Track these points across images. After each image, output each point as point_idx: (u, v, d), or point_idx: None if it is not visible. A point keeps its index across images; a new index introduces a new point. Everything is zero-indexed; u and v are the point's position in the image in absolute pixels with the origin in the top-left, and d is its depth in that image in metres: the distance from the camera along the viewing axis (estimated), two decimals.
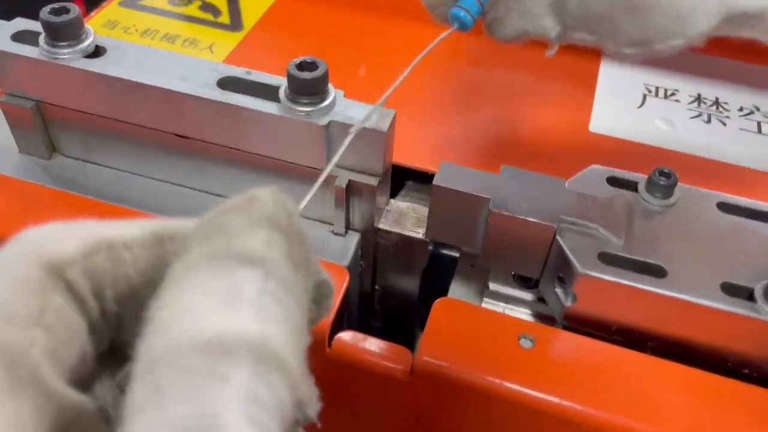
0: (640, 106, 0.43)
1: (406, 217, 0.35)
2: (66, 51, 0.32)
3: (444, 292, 0.35)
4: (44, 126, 0.35)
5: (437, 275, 0.38)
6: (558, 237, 0.30)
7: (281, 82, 0.31)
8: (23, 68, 0.33)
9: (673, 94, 0.44)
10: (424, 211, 0.36)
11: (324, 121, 0.30)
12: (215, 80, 0.32)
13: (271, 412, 0.13)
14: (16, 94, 0.34)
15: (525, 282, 0.34)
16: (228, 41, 0.46)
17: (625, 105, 0.43)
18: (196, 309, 0.14)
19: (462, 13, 0.28)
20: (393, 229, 0.35)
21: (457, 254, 0.37)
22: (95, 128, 0.35)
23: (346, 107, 0.31)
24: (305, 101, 0.30)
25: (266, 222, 0.16)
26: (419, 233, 0.35)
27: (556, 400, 0.28)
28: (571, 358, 0.29)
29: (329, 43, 0.47)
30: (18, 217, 0.33)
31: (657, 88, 0.44)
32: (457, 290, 0.36)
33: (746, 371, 0.30)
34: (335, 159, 0.23)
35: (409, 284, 0.37)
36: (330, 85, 0.31)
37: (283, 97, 0.30)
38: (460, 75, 0.45)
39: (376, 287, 0.38)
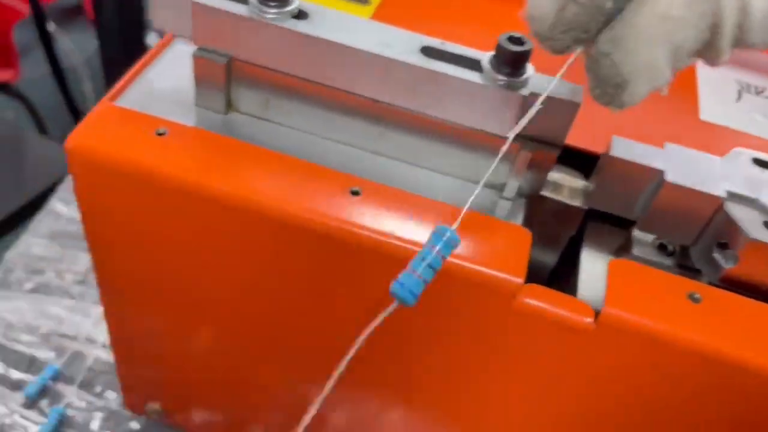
0: (738, 101, 0.48)
1: (562, 187, 0.38)
2: (274, 11, 0.34)
3: (571, 256, 0.39)
4: (228, 82, 0.37)
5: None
6: (726, 207, 0.34)
7: (475, 54, 0.34)
8: (228, 24, 0.34)
9: (762, 92, 0.49)
10: (574, 181, 0.39)
11: (525, 91, 0.33)
12: (417, 48, 0.34)
13: None
14: (208, 49, 0.36)
15: (663, 249, 0.38)
16: (360, 14, 0.48)
17: (724, 99, 0.47)
18: None
19: (402, 293, 0.27)
20: (554, 197, 0.38)
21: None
22: (280, 87, 0.37)
23: (541, 80, 0.34)
24: (508, 72, 0.33)
25: None
26: (575, 201, 0.38)
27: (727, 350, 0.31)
28: (736, 313, 0.33)
29: (455, 18, 0.50)
30: (201, 164, 0.35)
31: (748, 85, 0.49)
32: (589, 256, 0.39)
33: None
34: (522, 125, 0.27)
35: (553, 248, 0.40)
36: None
37: (487, 67, 0.33)
38: None
39: None
